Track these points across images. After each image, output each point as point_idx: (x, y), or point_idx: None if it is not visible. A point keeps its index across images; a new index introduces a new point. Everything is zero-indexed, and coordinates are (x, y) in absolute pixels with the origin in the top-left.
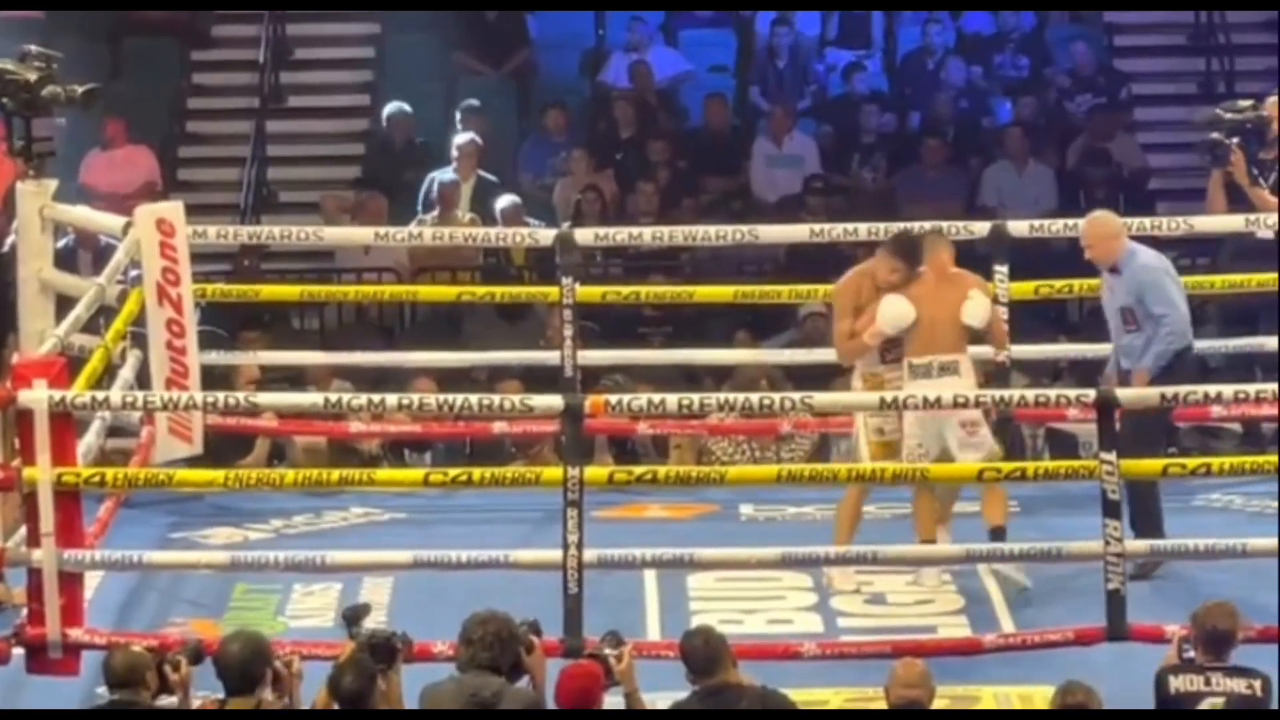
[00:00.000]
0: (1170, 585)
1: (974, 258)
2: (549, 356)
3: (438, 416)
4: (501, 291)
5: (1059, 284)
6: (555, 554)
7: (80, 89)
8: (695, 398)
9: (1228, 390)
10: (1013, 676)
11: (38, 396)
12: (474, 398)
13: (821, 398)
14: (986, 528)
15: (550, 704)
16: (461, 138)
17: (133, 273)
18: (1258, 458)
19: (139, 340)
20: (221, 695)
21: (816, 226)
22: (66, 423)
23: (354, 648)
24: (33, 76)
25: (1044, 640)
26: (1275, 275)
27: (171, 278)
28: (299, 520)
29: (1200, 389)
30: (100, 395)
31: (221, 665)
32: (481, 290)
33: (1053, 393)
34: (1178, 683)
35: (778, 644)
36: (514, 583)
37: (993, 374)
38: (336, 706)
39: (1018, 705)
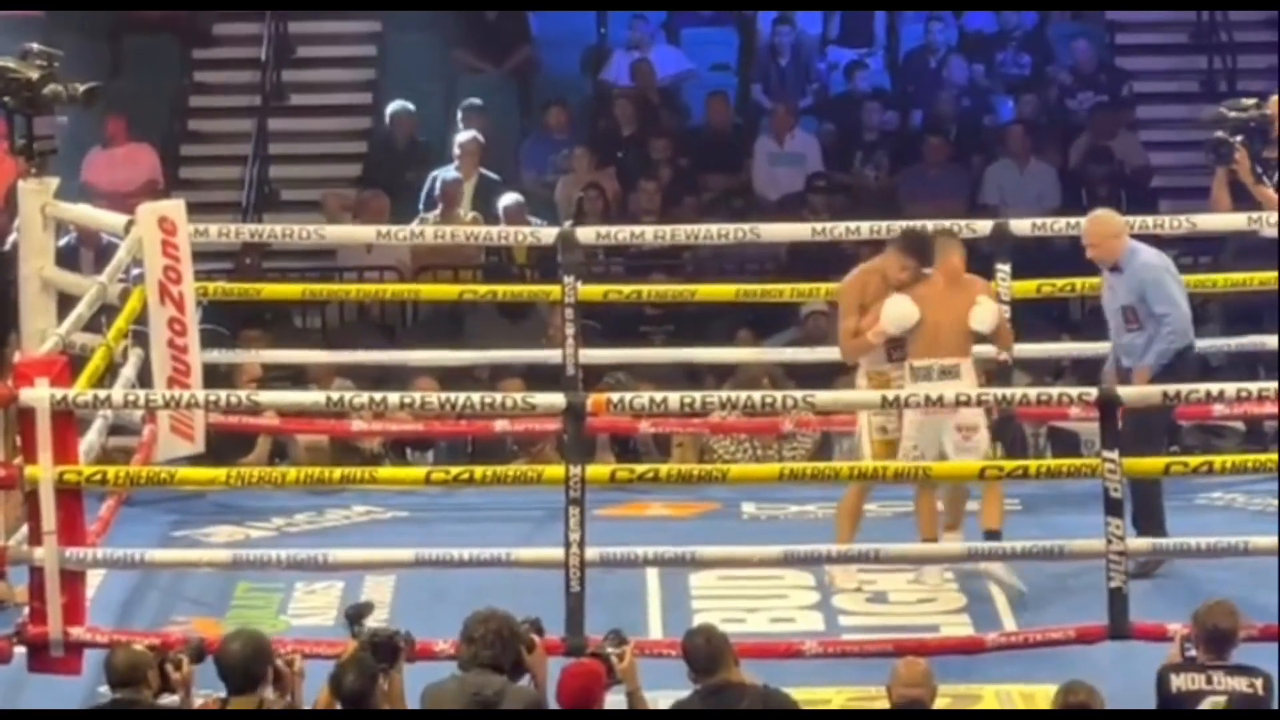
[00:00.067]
0: (1172, 584)
1: (976, 256)
2: (551, 355)
3: (439, 415)
4: (503, 290)
5: (1061, 282)
6: (557, 552)
7: (81, 87)
8: (697, 396)
9: (1230, 389)
10: (1015, 675)
11: (39, 395)
12: (476, 396)
13: (823, 396)
14: (981, 530)
15: (552, 703)
16: (463, 136)
17: (134, 271)
18: (1260, 456)
19: (141, 339)
20: (223, 694)
21: (818, 225)
22: (68, 421)
23: (356, 646)
24: (34, 75)
25: (1046, 639)
26: (1278, 274)
27: (173, 276)
28: (301, 519)
29: (1202, 387)
30: (102, 394)
31: (223, 664)
32: (483, 289)
33: (1055, 391)
34: (1179, 681)
35: (780, 642)
36: (516, 581)
37: (995, 372)
38: (338, 706)
39: (1020, 704)
